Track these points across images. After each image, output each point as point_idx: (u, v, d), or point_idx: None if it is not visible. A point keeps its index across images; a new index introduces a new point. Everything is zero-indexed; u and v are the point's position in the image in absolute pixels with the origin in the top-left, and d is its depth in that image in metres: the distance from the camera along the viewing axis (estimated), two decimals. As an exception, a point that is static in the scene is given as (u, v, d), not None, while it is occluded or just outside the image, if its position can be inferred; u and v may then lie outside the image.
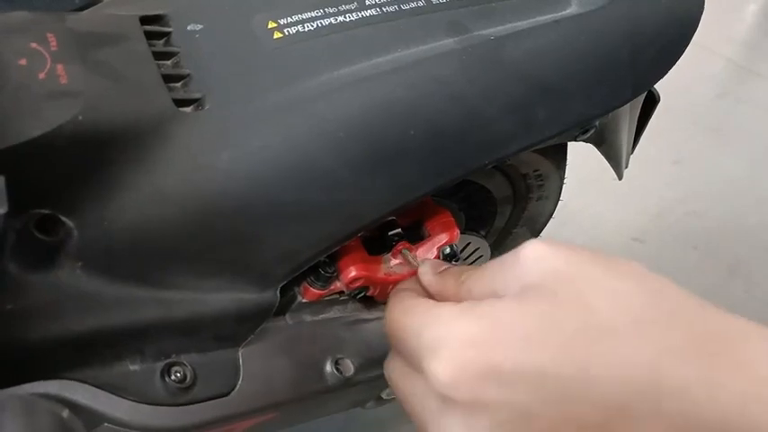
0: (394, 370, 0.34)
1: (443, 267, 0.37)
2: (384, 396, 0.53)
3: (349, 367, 0.43)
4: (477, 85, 0.39)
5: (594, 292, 0.29)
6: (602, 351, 0.27)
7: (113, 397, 0.34)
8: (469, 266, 0.36)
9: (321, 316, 0.44)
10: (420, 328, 0.31)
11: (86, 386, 0.34)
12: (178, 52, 0.37)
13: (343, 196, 0.37)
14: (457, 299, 0.34)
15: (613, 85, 0.44)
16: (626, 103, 0.46)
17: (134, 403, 0.35)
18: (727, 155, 1.36)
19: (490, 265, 0.33)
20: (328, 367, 0.43)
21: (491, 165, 0.41)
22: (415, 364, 0.31)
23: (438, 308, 0.31)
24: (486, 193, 0.58)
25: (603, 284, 0.29)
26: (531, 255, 0.31)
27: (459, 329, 0.29)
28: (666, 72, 0.46)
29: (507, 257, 0.32)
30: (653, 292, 0.29)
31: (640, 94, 0.47)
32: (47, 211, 0.33)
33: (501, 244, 0.66)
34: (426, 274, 0.37)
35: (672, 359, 0.27)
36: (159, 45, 0.38)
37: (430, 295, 0.37)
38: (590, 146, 0.54)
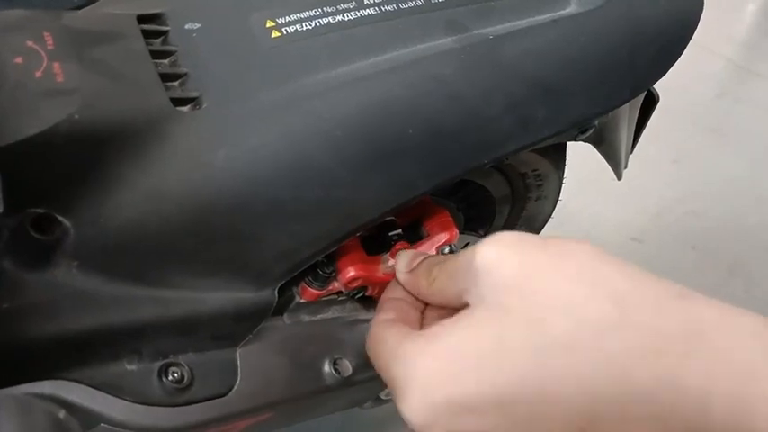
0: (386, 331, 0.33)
1: (417, 261, 0.37)
2: (382, 396, 0.53)
3: (347, 367, 0.43)
4: (475, 85, 0.39)
5: (548, 305, 0.28)
6: (560, 367, 0.27)
7: (110, 397, 0.34)
8: (438, 259, 0.35)
9: (319, 316, 0.44)
10: (389, 364, 0.31)
11: (83, 386, 0.34)
12: (175, 51, 0.37)
13: (341, 195, 0.37)
14: (431, 299, 0.35)
15: (612, 85, 0.44)
16: (625, 102, 0.46)
17: (131, 403, 0.35)
18: (727, 155, 1.36)
19: (457, 262, 0.32)
20: (326, 367, 0.42)
21: (490, 164, 0.41)
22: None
23: (405, 342, 0.31)
24: (485, 192, 0.58)
25: (557, 295, 0.28)
26: (483, 264, 0.30)
27: (422, 367, 0.29)
28: (666, 72, 0.46)
29: (467, 259, 0.31)
30: (608, 294, 0.28)
31: (639, 93, 0.47)
32: (43, 211, 0.33)
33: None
34: (401, 272, 0.37)
35: (634, 363, 0.27)
36: (156, 44, 0.37)
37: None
38: (589, 146, 0.54)
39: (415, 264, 0.37)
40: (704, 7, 0.47)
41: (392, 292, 0.37)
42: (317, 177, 0.36)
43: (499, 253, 0.30)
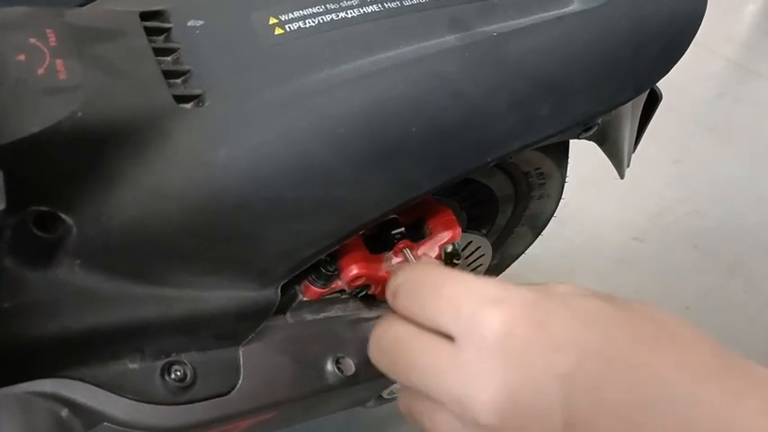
0: (395, 334, 0.33)
1: (435, 254, 0.37)
2: (385, 395, 0.52)
3: (350, 366, 0.43)
4: (479, 82, 0.39)
5: (636, 311, 0.31)
6: (649, 350, 0.29)
7: (112, 396, 0.34)
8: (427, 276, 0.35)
9: (322, 315, 0.44)
10: (480, 284, 0.31)
11: (85, 385, 0.34)
12: (178, 48, 0.37)
13: (344, 194, 0.37)
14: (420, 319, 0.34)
15: (616, 83, 0.43)
16: (628, 100, 0.45)
17: (133, 402, 0.34)
18: (728, 154, 1.35)
19: (447, 295, 0.32)
20: (329, 366, 0.42)
21: (493, 162, 0.41)
22: (447, 317, 0.31)
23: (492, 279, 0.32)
24: (488, 191, 0.58)
25: (642, 308, 0.31)
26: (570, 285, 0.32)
27: (523, 293, 0.30)
28: (669, 70, 0.46)
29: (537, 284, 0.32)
30: (689, 325, 0.30)
31: (643, 91, 0.47)
32: (45, 208, 0.33)
33: (502, 243, 0.66)
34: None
35: (703, 378, 0.28)
36: (159, 41, 0.37)
37: None
38: (590, 145, 0.54)
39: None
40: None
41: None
42: (320, 175, 0.36)
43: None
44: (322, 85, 0.37)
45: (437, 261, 0.38)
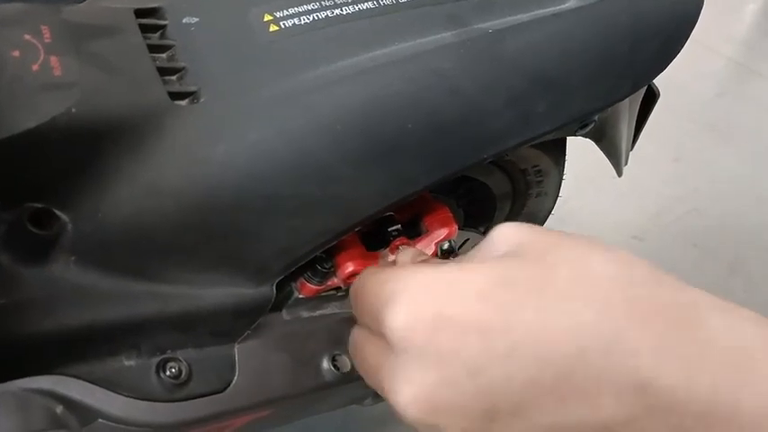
0: (355, 337, 0.33)
1: (422, 258, 0.37)
2: (382, 393, 0.52)
3: (346, 363, 0.43)
4: (475, 79, 0.39)
5: (561, 255, 0.29)
6: (557, 313, 0.27)
7: (108, 393, 0.34)
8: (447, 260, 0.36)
9: (318, 312, 0.44)
10: (381, 283, 0.30)
11: (81, 382, 0.34)
12: (173, 45, 0.37)
13: (340, 190, 0.37)
14: None
15: (613, 79, 0.43)
16: (625, 97, 0.45)
17: (129, 399, 0.34)
18: (727, 153, 1.35)
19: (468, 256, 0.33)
20: (325, 363, 0.42)
21: (490, 159, 0.41)
22: (374, 323, 0.31)
23: (399, 269, 0.31)
24: (485, 189, 0.58)
25: (567, 252, 0.29)
26: (502, 231, 0.31)
27: (418, 279, 0.29)
28: (666, 66, 0.46)
29: (481, 242, 0.32)
30: (616, 261, 0.29)
31: (640, 88, 0.47)
32: (40, 205, 0.33)
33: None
34: (404, 262, 0.37)
35: (626, 327, 0.27)
36: (154, 38, 0.37)
37: None
38: (589, 143, 0.54)
39: (419, 259, 0.37)
40: (704, 6, 0.46)
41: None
42: (317, 172, 0.36)
43: (520, 224, 0.31)
44: (318, 81, 0.37)
45: (407, 255, 0.38)
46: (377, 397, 0.53)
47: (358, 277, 0.34)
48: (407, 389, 0.28)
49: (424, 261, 0.37)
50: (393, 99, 0.37)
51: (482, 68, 0.39)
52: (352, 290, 0.34)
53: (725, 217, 1.22)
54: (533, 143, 0.45)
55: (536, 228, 0.31)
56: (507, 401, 0.27)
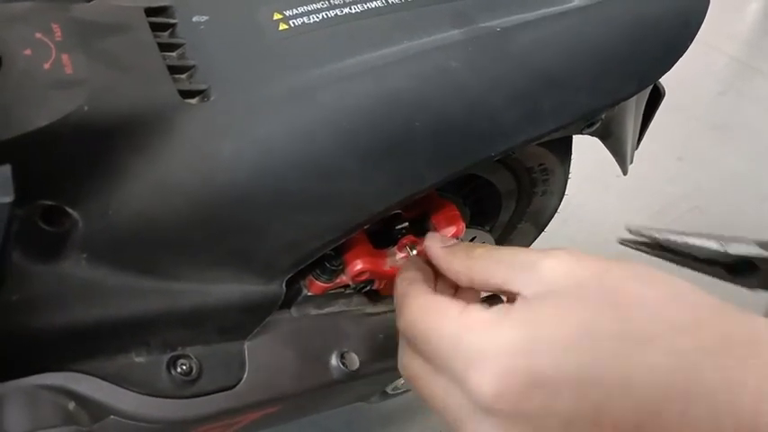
0: (414, 368, 0.33)
1: (450, 243, 0.37)
2: (389, 391, 0.53)
3: (354, 361, 0.43)
4: (482, 76, 0.39)
5: (625, 299, 0.29)
6: (641, 356, 0.28)
7: (119, 389, 0.34)
8: (477, 245, 0.36)
9: (326, 309, 0.44)
10: (455, 336, 0.30)
11: (92, 378, 0.34)
12: (183, 44, 0.37)
13: (349, 187, 0.37)
14: (467, 281, 0.34)
15: (618, 78, 0.43)
16: (631, 96, 0.45)
17: (140, 395, 0.35)
18: (730, 151, 1.35)
19: (503, 255, 0.33)
20: (333, 360, 0.42)
21: (497, 156, 0.41)
22: (445, 369, 0.31)
23: (468, 313, 0.31)
24: (491, 187, 0.58)
25: (633, 292, 0.30)
26: (554, 261, 0.31)
27: (501, 340, 0.29)
28: (672, 65, 0.46)
29: (525, 257, 0.32)
30: (679, 297, 0.30)
31: (645, 87, 0.47)
32: (52, 203, 0.33)
33: (506, 239, 0.66)
34: (434, 247, 0.37)
35: (703, 361, 0.28)
36: (164, 36, 0.37)
37: (435, 271, 0.37)
38: (593, 141, 0.54)
39: (449, 243, 0.37)
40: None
41: (406, 273, 0.37)
42: (325, 169, 0.36)
43: (571, 255, 0.31)
44: (326, 79, 0.37)
45: (437, 241, 0.38)
46: (384, 395, 0.53)
47: (404, 300, 0.34)
48: None
49: (453, 246, 0.36)
50: (401, 96, 0.37)
51: (489, 66, 0.39)
52: (402, 316, 0.34)
53: (728, 215, 1.22)
54: (539, 141, 0.45)
55: (582, 259, 0.31)
56: None
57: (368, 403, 0.54)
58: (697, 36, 0.46)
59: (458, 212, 0.47)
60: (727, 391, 0.27)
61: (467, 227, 0.50)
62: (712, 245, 0.48)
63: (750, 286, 0.51)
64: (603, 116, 0.46)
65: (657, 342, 0.28)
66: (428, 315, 0.32)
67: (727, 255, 0.47)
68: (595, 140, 0.54)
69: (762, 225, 1.21)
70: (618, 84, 0.44)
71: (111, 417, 0.34)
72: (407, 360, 0.34)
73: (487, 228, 0.60)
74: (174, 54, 0.37)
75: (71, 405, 0.33)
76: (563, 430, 0.28)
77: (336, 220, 0.38)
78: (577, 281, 0.30)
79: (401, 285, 0.36)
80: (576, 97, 0.42)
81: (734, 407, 0.27)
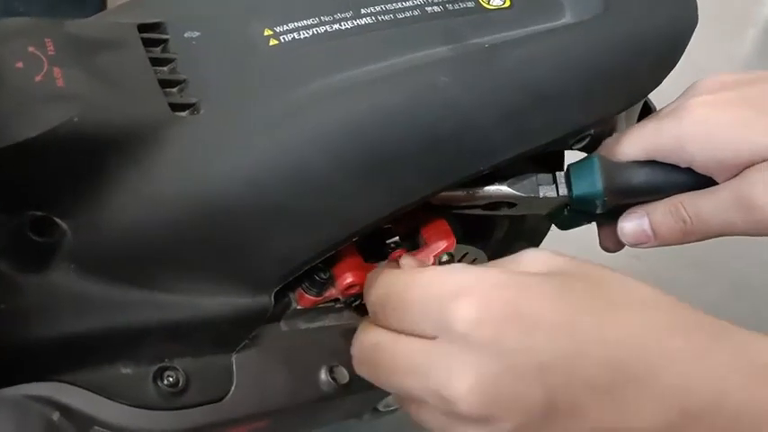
0: (374, 339, 0.34)
1: (425, 266, 0.38)
2: (380, 408, 0.52)
3: (344, 375, 0.43)
4: (472, 92, 0.39)
5: (604, 278, 0.32)
6: (616, 320, 0.30)
7: (105, 400, 0.34)
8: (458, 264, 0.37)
9: (316, 324, 0.44)
10: (441, 279, 0.31)
11: (78, 389, 0.34)
12: (175, 59, 0.38)
13: (338, 201, 0.37)
14: None
15: (608, 94, 0.44)
16: (621, 111, 0.46)
17: (125, 407, 0.35)
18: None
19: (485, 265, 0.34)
20: (323, 375, 0.42)
21: (486, 171, 0.41)
22: (417, 324, 0.31)
23: (446, 266, 0.33)
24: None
25: (610, 275, 0.32)
26: (535, 255, 0.34)
27: (486, 275, 0.31)
28: (660, 81, 0.46)
29: (506, 260, 0.35)
30: (654, 287, 0.32)
31: (635, 103, 0.47)
32: (41, 213, 0.33)
33: (500, 257, 0.66)
34: (410, 266, 0.37)
35: (675, 342, 0.29)
36: (156, 51, 0.38)
37: None
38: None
39: (422, 265, 0.39)
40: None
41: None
42: (314, 183, 0.36)
43: (550, 252, 0.33)
44: (316, 95, 0.37)
45: (412, 261, 0.39)
46: (375, 412, 0.53)
47: (382, 278, 0.35)
48: (470, 378, 0.29)
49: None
50: (389, 112, 0.38)
51: (478, 82, 0.40)
52: (378, 289, 0.35)
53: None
54: (531, 156, 0.45)
55: (566, 255, 0.33)
56: (566, 400, 0.29)
57: (360, 421, 0.54)
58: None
59: (448, 227, 0.47)
60: (696, 371, 0.29)
61: (459, 242, 0.50)
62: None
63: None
64: (593, 132, 0.47)
65: (633, 311, 0.30)
66: (406, 275, 0.33)
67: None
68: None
69: (763, 243, 1.21)
70: (607, 100, 0.44)
71: (96, 428, 0.34)
72: (364, 335, 0.34)
73: (480, 246, 0.60)
74: (165, 69, 0.37)
75: (56, 416, 0.33)
76: (537, 373, 0.28)
77: (326, 233, 0.38)
78: (552, 267, 0.32)
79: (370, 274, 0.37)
80: (566, 113, 0.43)
81: (702, 387, 0.28)
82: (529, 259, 0.34)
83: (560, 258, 0.33)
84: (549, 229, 0.65)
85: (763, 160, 0.37)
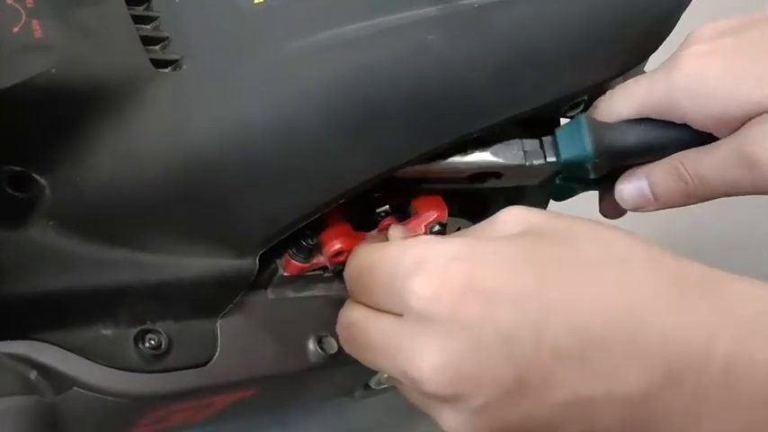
0: (352, 317, 0.33)
1: (415, 234, 0.37)
2: (372, 385, 0.51)
3: (332, 345, 0.42)
4: (460, 51, 0.39)
5: (578, 234, 0.30)
6: (586, 281, 0.28)
7: (84, 360, 0.33)
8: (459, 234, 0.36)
9: (305, 293, 0.43)
10: (400, 253, 0.30)
11: (56, 348, 0.33)
12: (158, 17, 0.37)
13: (323, 159, 0.37)
14: None
15: (601, 57, 0.43)
16: (615, 76, 0.45)
17: (105, 368, 0.34)
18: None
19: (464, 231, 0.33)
20: (311, 344, 0.41)
21: (476, 134, 0.40)
22: (387, 295, 0.30)
23: (417, 239, 0.31)
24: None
25: (586, 230, 0.30)
26: (511, 212, 0.32)
27: (442, 246, 0.29)
28: (655, 48, 0.46)
29: (483, 224, 0.34)
30: (631, 236, 0.30)
31: (629, 69, 0.46)
32: (19, 168, 0.33)
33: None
34: (396, 238, 0.37)
35: (651, 297, 0.27)
36: (139, 10, 0.37)
37: None
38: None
39: (412, 234, 0.38)
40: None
41: None
42: (298, 141, 0.36)
43: (528, 208, 0.32)
44: (301, 52, 0.37)
45: (400, 231, 0.39)
46: (367, 389, 0.52)
47: (356, 253, 0.34)
48: (433, 357, 0.27)
49: (416, 236, 0.37)
50: (376, 69, 0.37)
51: (466, 41, 0.39)
52: (351, 266, 0.34)
53: (731, 231, 1.21)
54: (524, 127, 0.44)
55: (544, 211, 0.32)
56: (536, 371, 0.27)
57: (352, 399, 0.53)
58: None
59: (441, 198, 0.46)
60: (677, 326, 0.27)
61: (451, 215, 0.49)
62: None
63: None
64: (586, 97, 0.46)
65: (607, 270, 0.28)
66: (375, 251, 0.32)
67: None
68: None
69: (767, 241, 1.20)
70: (600, 64, 0.44)
71: (75, 388, 0.33)
72: (343, 312, 0.34)
73: (476, 221, 0.59)
74: (148, 26, 0.37)
75: (33, 374, 0.32)
76: (502, 345, 0.27)
77: (312, 193, 0.37)
78: (528, 224, 0.31)
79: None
80: (557, 76, 0.42)
81: (684, 342, 0.26)
82: (503, 220, 0.32)
83: (533, 215, 0.32)
84: (548, 201, 0.64)
85: (764, 112, 0.35)
